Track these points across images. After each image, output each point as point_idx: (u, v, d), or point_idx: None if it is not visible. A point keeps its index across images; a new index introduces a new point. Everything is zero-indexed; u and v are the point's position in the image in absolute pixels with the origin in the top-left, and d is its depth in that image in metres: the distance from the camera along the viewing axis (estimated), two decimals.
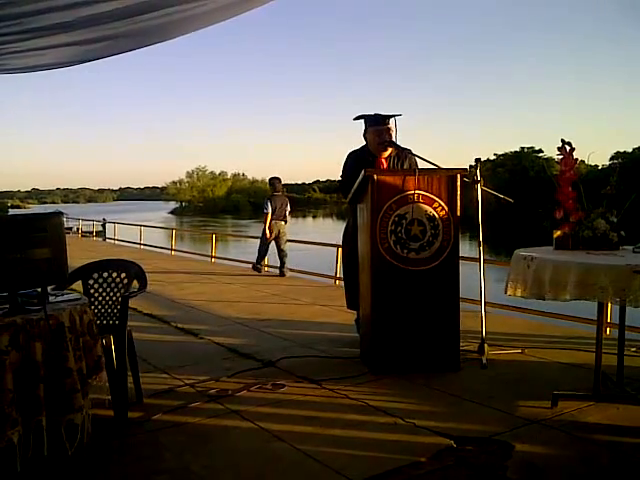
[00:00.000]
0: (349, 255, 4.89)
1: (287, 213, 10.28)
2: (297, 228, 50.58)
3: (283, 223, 10.21)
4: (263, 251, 10.35)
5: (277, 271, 10.18)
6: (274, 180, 10.41)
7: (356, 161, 4.71)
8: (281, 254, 10.17)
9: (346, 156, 4.87)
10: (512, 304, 6.00)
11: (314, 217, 71.90)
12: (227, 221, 62.15)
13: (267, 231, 10.03)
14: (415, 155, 4.70)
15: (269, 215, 10.01)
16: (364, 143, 4.86)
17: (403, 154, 4.77)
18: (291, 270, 10.15)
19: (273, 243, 10.24)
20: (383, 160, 4.74)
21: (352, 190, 4.40)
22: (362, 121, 4.81)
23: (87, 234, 23.92)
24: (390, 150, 4.73)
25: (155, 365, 4.44)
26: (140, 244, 17.28)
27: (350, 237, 4.85)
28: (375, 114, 4.71)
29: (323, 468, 2.76)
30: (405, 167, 4.73)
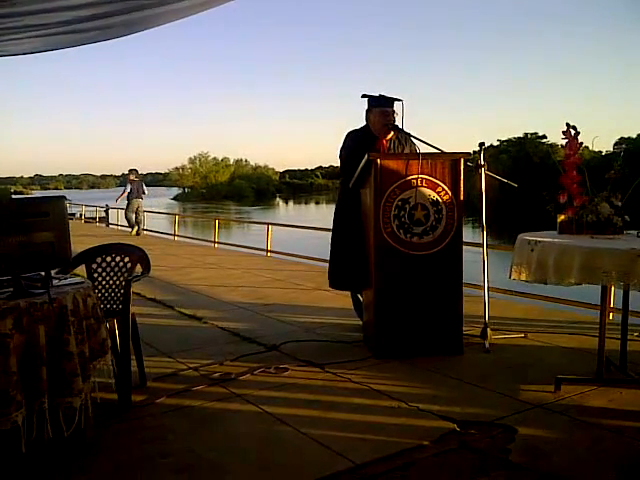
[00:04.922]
0: (342, 234, 4.87)
1: (144, 193, 15.65)
2: (299, 214, 50.56)
3: (140, 200, 15.52)
4: (129, 219, 15.64)
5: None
6: (132, 170, 15.83)
7: (356, 141, 4.66)
8: (137, 220, 15.51)
9: (345, 135, 4.78)
10: (515, 289, 6.00)
11: (317, 203, 71.83)
12: (230, 207, 62.05)
13: (136, 203, 15.39)
14: (418, 139, 4.66)
15: (127, 193, 15.42)
16: (364, 123, 4.81)
17: (404, 138, 4.74)
18: (293, 255, 10.34)
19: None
20: (385, 142, 4.70)
21: (355, 175, 4.38)
22: (365, 101, 4.74)
23: (90, 220, 23.92)
24: (392, 133, 4.69)
25: (159, 349, 4.46)
26: (144, 230, 17.26)
27: (342, 217, 4.85)
28: (381, 95, 4.67)
29: (326, 451, 2.77)
30: (406, 152, 4.70)
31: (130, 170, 15.97)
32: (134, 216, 15.49)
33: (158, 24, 5.17)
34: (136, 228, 15.43)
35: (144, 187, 15.86)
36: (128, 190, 15.37)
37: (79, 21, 4.55)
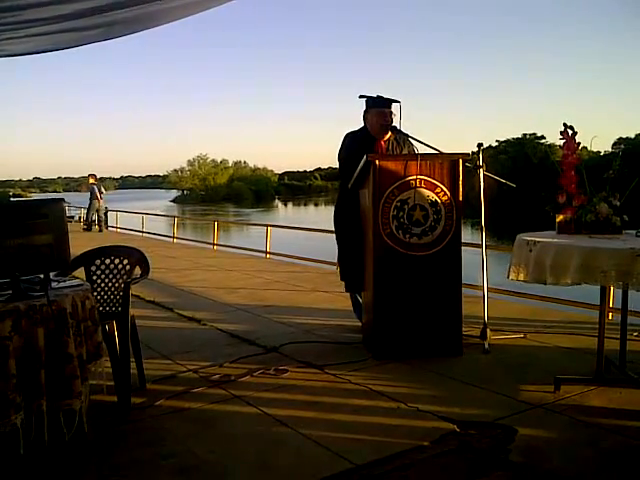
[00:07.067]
0: (342, 236, 4.87)
1: (101, 193, 17.92)
2: (299, 216, 50.56)
3: (98, 201, 17.92)
4: (91, 216, 18.10)
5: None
6: (91, 174, 18.36)
7: (354, 141, 4.67)
8: (96, 218, 17.98)
9: (344, 136, 4.78)
10: (514, 289, 6.00)
11: (316, 205, 71.77)
12: (229, 209, 61.97)
13: (96, 203, 17.90)
14: (416, 140, 4.65)
15: (97, 194, 17.80)
16: (362, 125, 4.80)
17: (402, 139, 4.74)
18: (292, 257, 10.37)
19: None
20: (382, 143, 4.69)
21: (354, 176, 4.38)
22: (363, 102, 4.74)
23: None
24: (390, 134, 4.69)
25: (158, 351, 4.46)
26: (142, 232, 17.31)
27: (341, 218, 4.85)
28: (378, 96, 4.66)
29: (326, 452, 2.77)
30: (404, 153, 4.69)
31: (89, 174, 18.47)
32: (96, 216, 17.97)
33: (158, 23, 5.15)
34: (97, 227, 17.91)
35: (102, 189, 18.41)
36: (97, 192, 17.82)
37: (79, 16, 4.50)
